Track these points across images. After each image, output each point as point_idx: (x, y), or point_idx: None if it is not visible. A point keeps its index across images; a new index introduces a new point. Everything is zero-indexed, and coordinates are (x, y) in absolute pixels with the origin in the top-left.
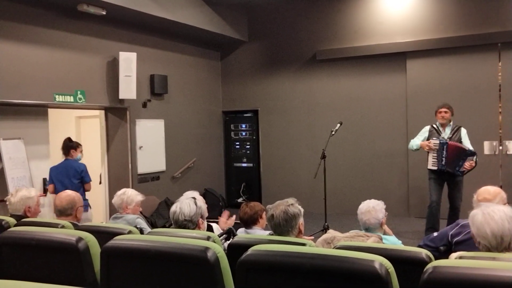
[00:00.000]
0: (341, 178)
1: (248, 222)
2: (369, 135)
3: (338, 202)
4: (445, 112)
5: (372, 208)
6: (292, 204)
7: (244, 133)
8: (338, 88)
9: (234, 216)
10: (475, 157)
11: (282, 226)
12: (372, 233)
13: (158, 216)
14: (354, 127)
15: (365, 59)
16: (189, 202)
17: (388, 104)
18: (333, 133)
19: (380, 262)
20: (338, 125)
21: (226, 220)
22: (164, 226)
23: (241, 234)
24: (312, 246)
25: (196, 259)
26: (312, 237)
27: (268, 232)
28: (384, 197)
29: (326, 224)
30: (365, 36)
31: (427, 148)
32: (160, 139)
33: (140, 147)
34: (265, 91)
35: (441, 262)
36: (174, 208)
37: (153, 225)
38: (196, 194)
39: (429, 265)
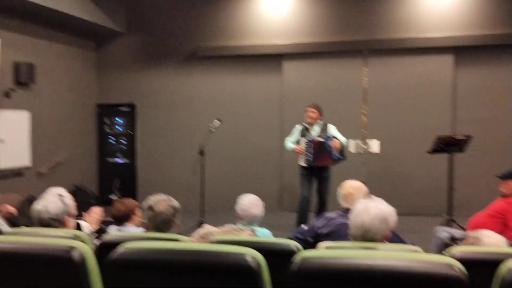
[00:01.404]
0: (219, 174)
1: (121, 219)
2: (246, 132)
3: (215, 197)
4: (312, 112)
5: (255, 203)
6: (172, 199)
7: (120, 128)
8: (218, 86)
9: (98, 209)
10: (331, 137)
11: (170, 221)
12: (252, 226)
13: (21, 215)
14: (232, 125)
15: (244, 58)
16: (55, 199)
17: (264, 103)
18: (212, 129)
19: (251, 255)
20: (217, 122)
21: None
22: (26, 226)
23: (113, 232)
24: (186, 242)
25: (60, 260)
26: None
27: (141, 229)
28: (259, 192)
29: (202, 219)
30: (245, 35)
31: (297, 151)
32: (25, 132)
33: (2, 141)
34: (143, 85)
35: (308, 253)
36: (37, 205)
37: (14, 225)
38: (62, 190)
39: (298, 256)
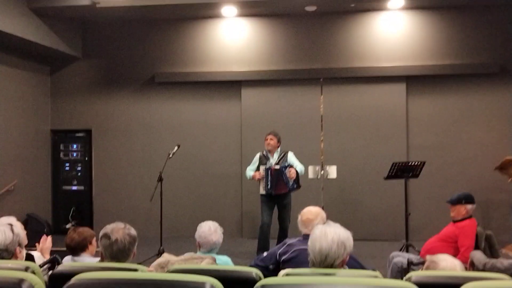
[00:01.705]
0: (179, 201)
1: (76, 249)
2: (206, 159)
3: (175, 225)
4: (271, 139)
5: (214, 230)
6: (130, 227)
7: (75, 154)
8: (177, 112)
9: (48, 238)
10: (288, 166)
11: (127, 250)
12: (212, 254)
13: None
14: (192, 151)
15: (203, 85)
16: (4, 229)
17: (224, 129)
18: (170, 155)
19: (211, 283)
20: (176, 147)
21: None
22: None
23: (67, 262)
24: (144, 271)
25: None
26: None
27: (97, 259)
28: (219, 219)
29: (161, 247)
30: (204, 62)
31: (257, 178)
32: None
33: None
34: (100, 111)
35: (269, 280)
36: None
37: None
38: (12, 219)
39: (258, 284)
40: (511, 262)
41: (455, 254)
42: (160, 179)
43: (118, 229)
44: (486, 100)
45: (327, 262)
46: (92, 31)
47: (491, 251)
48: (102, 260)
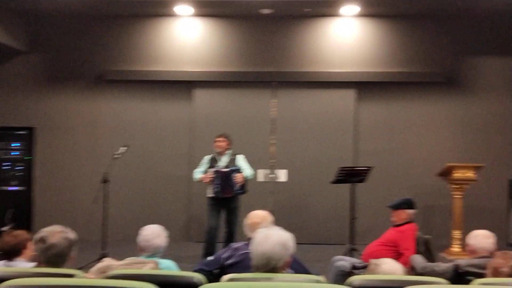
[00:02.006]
0: (124, 203)
1: (10, 253)
2: (154, 160)
3: (119, 228)
4: (221, 141)
5: (157, 234)
6: (68, 231)
7: (15, 153)
8: (125, 111)
9: None
10: (237, 171)
11: (63, 255)
12: (156, 258)
13: None
14: (140, 152)
15: (154, 84)
16: None
17: (174, 130)
18: (117, 156)
19: None
20: (124, 148)
21: None
22: None
23: (0, 267)
24: (82, 277)
25: None
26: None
27: (33, 264)
28: (166, 222)
29: (104, 252)
30: (155, 61)
31: (205, 181)
32: None
33: None
34: (44, 108)
35: (210, 286)
36: None
37: None
38: None
39: None
40: (448, 266)
41: (395, 258)
42: (105, 181)
43: (54, 233)
44: (432, 108)
45: (270, 265)
46: (39, 24)
47: (429, 255)
48: (38, 265)
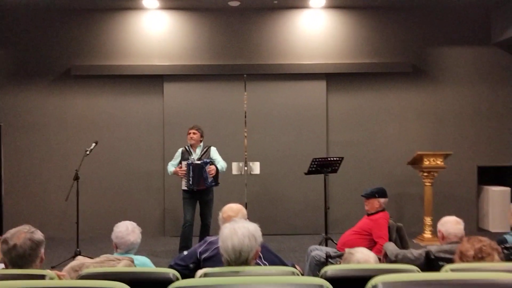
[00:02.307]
0: (97, 200)
1: None
2: (126, 155)
3: (92, 225)
4: (194, 133)
5: (131, 230)
6: (34, 231)
7: None
8: (95, 106)
9: None
10: (209, 163)
11: (28, 256)
12: (130, 255)
13: None
14: (111, 147)
15: (123, 79)
16: None
17: (146, 125)
18: (87, 152)
19: None
20: (94, 144)
21: None
22: None
23: None
24: (54, 278)
25: None
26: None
27: (1, 266)
28: (140, 218)
29: (78, 249)
30: (124, 55)
31: (179, 174)
32: None
33: None
34: (9, 104)
35: (182, 282)
36: None
37: None
38: None
39: (170, 286)
40: (420, 252)
41: (369, 246)
42: (77, 178)
43: (19, 234)
44: (400, 98)
45: (242, 257)
46: (4, 19)
47: (402, 242)
48: (6, 267)
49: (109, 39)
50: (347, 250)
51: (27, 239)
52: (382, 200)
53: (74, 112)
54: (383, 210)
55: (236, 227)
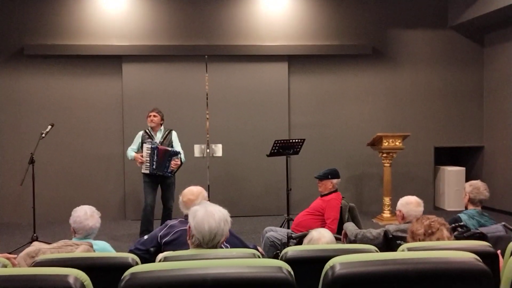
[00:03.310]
0: (54, 184)
1: None
2: (84, 138)
3: (49, 210)
4: (154, 116)
5: (90, 214)
6: None
7: None
8: (51, 88)
9: None
10: (179, 155)
11: None
12: (89, 240)
13: None
14: (68, 130)
15: (80, 59)
16: None
17: (104, 107)
18: (43, 135)
19: (75, 276)
20: (49, 127)
21: None
22: None
23: None
24: (7, 266)
25: None
26: (15, 256)
27: None
28: (100, 202)
29: (35, 235)
30: (81, 35)
31: (139, 161)
32: None
33: None
34: None
35: (139, 268)
36: None
37: None
38: None
39: (127, 272)
40: (379, 232)
41: (322, 226)
42: (32, 161)
43: None
44: (360, 80)
45: (215, 240)
46: None
47: (354, 222)
48: None
49: (65, 17)
50: (311, 232)
51: None
52: (334, 181)
53: (28, 94)
54: (335, 191)
55: (212, 210)
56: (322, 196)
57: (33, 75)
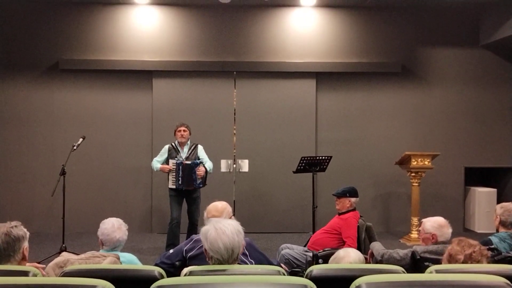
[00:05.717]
0: (83, 195)
1: None
2: (114, 151)
3: (78, 221)
4: (184, 130)
5: (118, 227)
6: (16, 226)
7: None
8: (83, 101)
9: None
10: (201, 163)
11: (3, 250)
12: (116, 252)
13: None
14: (98, 143)
15: (112, 74)
16: None
17: (134, 121)
18: (75, 147)
19: (102, 286)
20: (81, 139)
21: None
22: None
23: None
24: (37, 275)
25: None
26: (44, 266)
27: None
28: (127, 215)
29: (63, 245)
30: (113, 50)
31: (166, 171)
32: None
33: None
34: None
35: (165, 281)
36: None
37: None
38: None
39: (153, 285)
40: (406, 252)
41: (338, 245)
42: (63, 173)
43: None
44: (389, 98)
45: (234, 255)
46: None
47: (370, 242)
48: None
49: (99, 33)
50: (339, 251)
51: (4, 234)
52: (353, 199)
53: (61, 107)
54: (353, 210)
55: (221, 226)
56: (339, 214)
57: (67, 89)
